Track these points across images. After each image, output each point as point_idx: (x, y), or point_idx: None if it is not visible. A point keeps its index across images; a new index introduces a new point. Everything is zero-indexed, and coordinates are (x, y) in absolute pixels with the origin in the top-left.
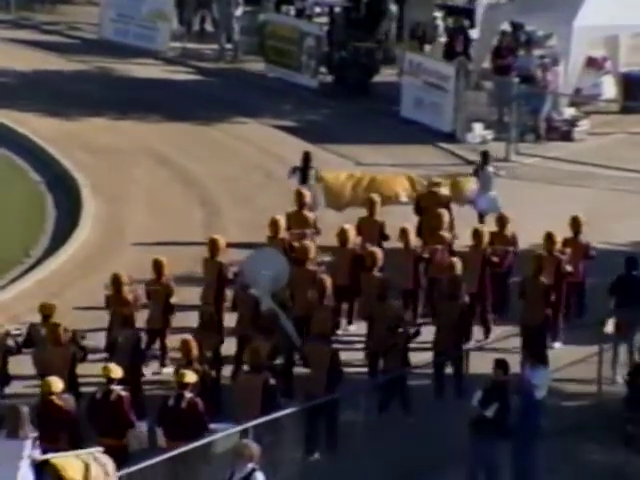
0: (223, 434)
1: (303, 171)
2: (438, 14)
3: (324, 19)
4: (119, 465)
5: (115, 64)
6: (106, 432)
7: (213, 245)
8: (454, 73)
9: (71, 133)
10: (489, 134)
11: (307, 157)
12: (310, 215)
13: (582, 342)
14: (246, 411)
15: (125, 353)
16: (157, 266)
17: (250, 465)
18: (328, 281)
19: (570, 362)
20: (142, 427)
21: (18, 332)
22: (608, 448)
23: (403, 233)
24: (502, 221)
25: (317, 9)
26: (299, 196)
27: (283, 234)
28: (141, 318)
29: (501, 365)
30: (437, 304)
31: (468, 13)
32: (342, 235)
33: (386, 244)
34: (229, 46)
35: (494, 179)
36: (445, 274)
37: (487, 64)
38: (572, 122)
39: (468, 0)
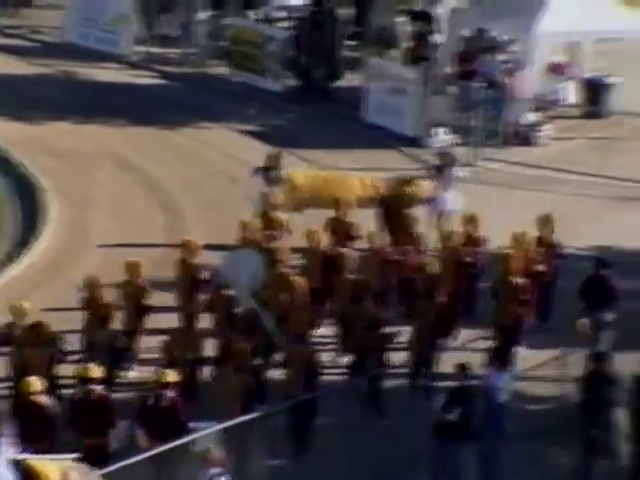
0: (203, 433)
1: (269, 171)
2: (402, 19)
3: (288, 23)
4: (101, 464)
5: (78, 68)
6: (88, 432)
7: (187, 247)
8: (418, 78)
9: (34, 137)
10: (453, 139)
11: (275, 157)
12: (280, 216)
13: (546, 345)
14: (227, 411)
15: (103, 352)
16: (132, 267)
17: (215, 470)
18: (302, 282)
19: (533, 365)
20: (122, 426)
21: None
22: (571, 451)
23: (371, 235)
24: (473, 222)
25: (281, 13)
26: (267, 198)
27: (255, 236)
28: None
29: (464, 368)
30: (413, 304)
31: (431, 18)
32: (312, 237)
33: (355, 245)
34: (193, 50)
35: (455, 180)
36: (418, 274)
37: (451, 69)
38: (535, 127)
39: (429, 4)
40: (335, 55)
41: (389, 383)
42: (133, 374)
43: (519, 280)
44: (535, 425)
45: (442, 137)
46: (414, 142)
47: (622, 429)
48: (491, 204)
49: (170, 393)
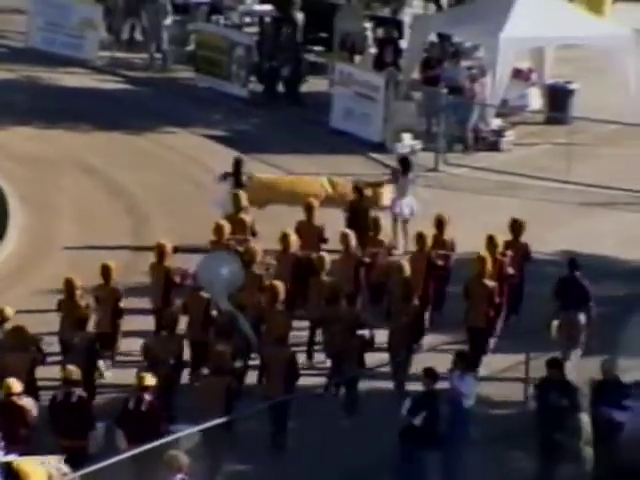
0: (182, 434)
1: (235, 176)
2: (368, 25)
3: (254, 29)
4: (79, 466)
5: (43, 73)
6: (67, 433)
7: (160, 250)
8: (384, 84)
9: None
10: (418, 144)
11: (238, 163)
12: (247, 218)
13: (511, 349)
14: (208, 414)
15: (81, 354)
16: (105, 271)
17: (179, 476)
18: (280, 285)
19: (498, 369)
20: (100, 428)
21: None
22: (535, 456)
23: (344, 237)
24: (441, 224)
25: (247, 19)
26: (236, 199)
27: (226, 238)
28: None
29: (430, 374)
30: (390, 306)
31: (397, 24)
32: (284, 240)
33: (323, 247)
34: (158, 55)
35: (413, 186)
36: (389, 276)
37: (416, 75)
38: (499, 133)
39: (393, 11)
40: (298, 60)
41: (367, 384)
42: (109, 376)
43: (492, 282)
44: (499, 429)
45: (408, 142)
46: (380, 147)
47: (586, 434)
48: (454, 209)
49: (149, 396)
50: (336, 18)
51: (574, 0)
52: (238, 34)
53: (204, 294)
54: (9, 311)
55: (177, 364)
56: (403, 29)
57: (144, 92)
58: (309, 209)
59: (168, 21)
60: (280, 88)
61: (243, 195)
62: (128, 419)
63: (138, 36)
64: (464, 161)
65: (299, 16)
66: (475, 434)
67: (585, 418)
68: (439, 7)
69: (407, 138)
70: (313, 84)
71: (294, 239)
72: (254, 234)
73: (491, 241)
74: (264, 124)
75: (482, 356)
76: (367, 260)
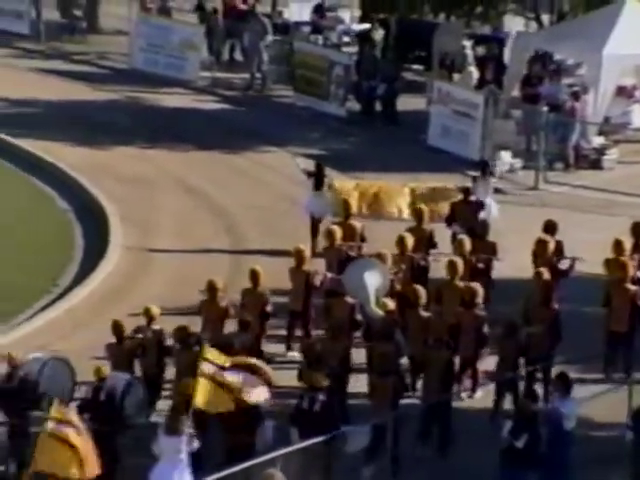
0: (356, 431)
1: (317, 178)
2: (467, 43)
3: (353, 49)
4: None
5: (145, 93)
6: (238, 429)
7: (299, 255)
8: (483, 102)
9: (100, 162)
10: (517, 162)
11: (320, 166)
12: (357, 225)
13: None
14: (376, 415)
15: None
16: (254, 276)
17: None
18: (421, 289)
19: (601, 390)
20: (268, 426)
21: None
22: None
23: (460, 244)
24: (552, 228)
25: (345, 38)
26: (346, 205)
27: (338, 244)
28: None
29: (530, 395)
30: (531, 311)
31: (499, 42)
32: (401, 243)
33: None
34: (258, 75)
35: (491, 189)
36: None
37: (516, 92)
38: (601, 151)
39: (493, 29)
40: (393, 78)
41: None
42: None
43: (634, 286)
44: (600, 452)
45: (507, 160)
46: (478, 166)
47: None
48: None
49: (322, 396)
50: (435, 36)
51: None
52: (337, 54)
53: (349, 299)
54: (155, 310)
55: (342, 367)
56: (504, 47)
57: (243, 112)
58: (419, 214)
59: (267, 41)
60: (378, 107)
61: (353, 202)
62: (301, 418)
63: (238, 56)
64: (565, 179)
65: (378, 35)
66: (575, 456)
67: None
68: (540, 24)
69: (506, 156)
70: (411, 102)
71: (411, 241)
72: (363, 240)
73: (619, 245)
74: (362, 143)
75: (630, 360)
76: (481, 266)
